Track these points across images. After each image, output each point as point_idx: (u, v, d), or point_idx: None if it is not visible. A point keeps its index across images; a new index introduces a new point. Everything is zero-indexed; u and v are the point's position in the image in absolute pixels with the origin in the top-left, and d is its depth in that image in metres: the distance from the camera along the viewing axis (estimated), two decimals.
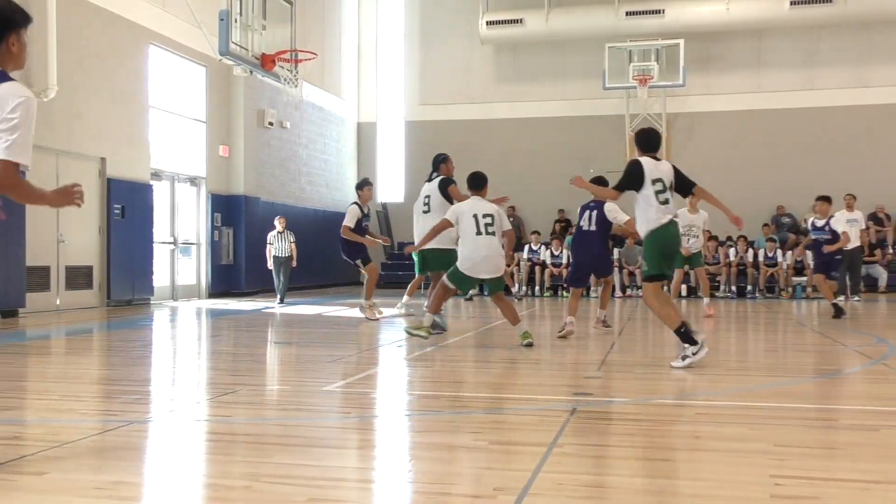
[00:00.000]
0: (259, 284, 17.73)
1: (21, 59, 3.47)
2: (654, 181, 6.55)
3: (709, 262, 18.28)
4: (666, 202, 6.58)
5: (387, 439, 4.44)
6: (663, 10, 21.10)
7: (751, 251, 18.36)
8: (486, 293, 14.70)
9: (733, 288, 18.17)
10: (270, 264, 15.03)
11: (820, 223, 11.83)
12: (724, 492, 3.24)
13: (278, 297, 15.03)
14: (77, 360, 7.91)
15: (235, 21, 13.14)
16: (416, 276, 10.57)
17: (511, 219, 22.23)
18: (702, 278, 12.75)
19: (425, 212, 9.47)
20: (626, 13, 21.28)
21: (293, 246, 14.95)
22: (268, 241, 15.08)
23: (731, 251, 18.47)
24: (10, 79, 3.35)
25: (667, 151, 22.14)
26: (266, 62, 13.95)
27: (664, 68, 21.21)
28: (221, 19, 12.81)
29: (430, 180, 9.63)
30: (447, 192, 9.35)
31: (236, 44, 13.15)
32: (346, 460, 3.90)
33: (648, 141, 6.83)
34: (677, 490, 3.27)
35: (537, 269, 18.93)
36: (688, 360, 6.39)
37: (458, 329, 9.92)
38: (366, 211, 11.68)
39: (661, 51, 21.38)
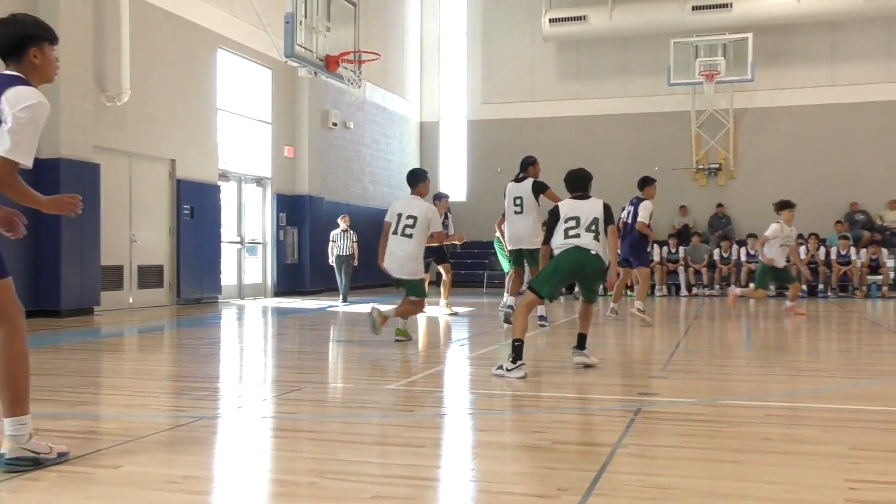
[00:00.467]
0: (323, 283, 17.94)
1: (47, 72, 3.58)
2: (568, 219, 6.76)
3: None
4: (576, 236, 6.68)
5: (450, 438, 4.44)
6: (731, 4, 20.64)
7: (822, 249, 17.86)
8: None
9: (804, 287, 17.69)
10: (332, 261, 15.28)
11: None
12: (796, 495, 3.15)
13: (341, 295, 15.22)
14: (149, 357, 8.13)
15: (300, 23, 13.32)
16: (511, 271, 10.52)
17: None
18: (793, 286, 12.41)
19: (517, 212, 9.80)
20: (693, 8, 20.88)
21: (355, 245, 15.18)
22: (331, 239, 15.30)
23: (802, 249, 17.99)
24: (28, 84, 3.46)
25: (734, 148, 21.70)
26: (330, 63, 14.11)
27: (731, 63, 20.75)
28: (287, 22, 13.01)
29: (517, 181, 9.89)
30: (539, 194, 9.65)
31: (301, 46, 13.34)
32: (410, 458, 3.92)
33: (572, 183, 7.05)
34: (746, 493, 3.19)
35: None
36: (501, 372, 6.14)
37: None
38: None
39: (729, 45, 20.91)
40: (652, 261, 17.42)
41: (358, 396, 5.61)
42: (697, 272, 18.43)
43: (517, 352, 6.15)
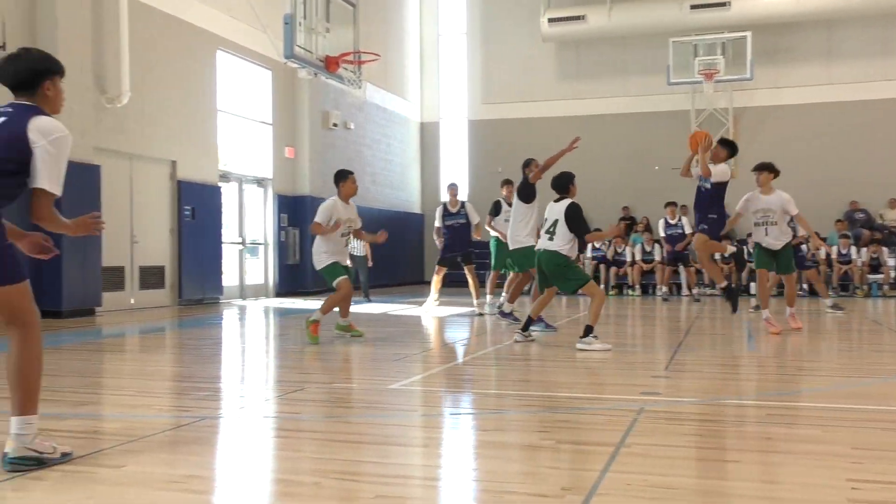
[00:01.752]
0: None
1: (57, 103, 3.74)
2: (544, 221, 8.16)
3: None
4: (539, 237, 8.30)
5: (452, 437, 4.45)
6: (729, 3, 20.63)
7: (822, 248, 17.85)
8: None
9: (804, 286, 17.70)
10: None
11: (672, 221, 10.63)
12: (798, 495, 3.16)
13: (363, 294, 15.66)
14: (151, 358, 8.14)
15: (300, 24, 13.31)
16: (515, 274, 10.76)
17: None
18: (787, 282, 9.58)
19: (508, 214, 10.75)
20: (691, 7, 20.87)
21: (367, 245, 15.53)
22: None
23: (803, 248, 17.98)
24: (48, 115, 3.62)
25: None
26: (330, 64, 14.11)
27: (731, 62, 20.76)
28: (286, 23, 13.00)
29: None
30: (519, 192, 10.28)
31: (301, 47, 13.33)
32: (412, 458, 3.92)
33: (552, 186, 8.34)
34: (749, 493, 3.20)
35: (602, 267, 18.73)
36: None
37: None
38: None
39: (728, 44, 20.93)
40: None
41: (361, 396, 5.62)
42: (698, 272, 18.42)
43: (524, 325, 8.27)
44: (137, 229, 13.64)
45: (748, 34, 20.41)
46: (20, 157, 3.45)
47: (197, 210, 14.83)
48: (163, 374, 6.87)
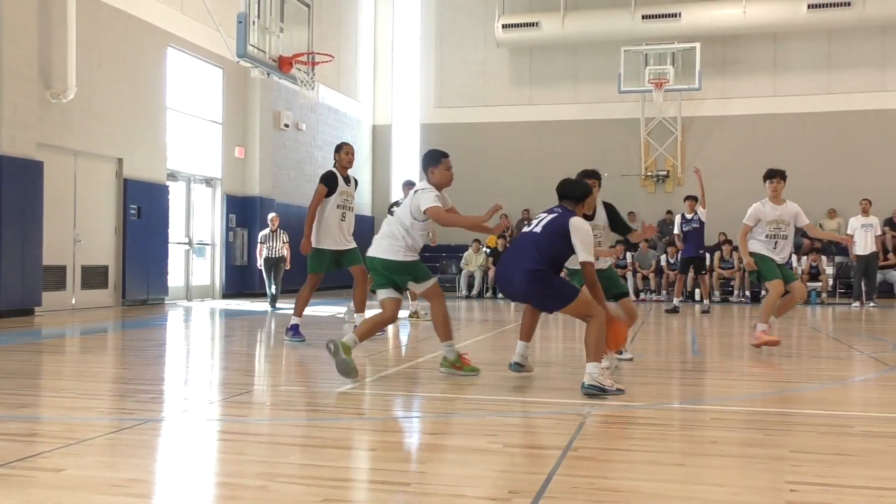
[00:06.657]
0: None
1: None
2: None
3: (722, 266, 18.20)
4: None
5: (400, 441, 4.44)
6: (680, 14, 21.06)
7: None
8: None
9: (747, 293, 18.08)
10: (260, 264, 14.53)
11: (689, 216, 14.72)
12: (740, 497, 3.22)
13: (269, 299, 14.39)
14: (92, 359, 7.96)
15: (253, 23, 13.20)
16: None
17: (526, 222, 22.22)
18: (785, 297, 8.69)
19: None
20: (643, 17, 21.25)
21: (286, 246, 14.39)
22: (259, 241, 14.60)
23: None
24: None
25: (681, 155, 22.08)
26: (283, 64, 14.01)
27: (680, 72, 21.17)
28: (239, 22, 12.88)
29: None
30: None
31: (254, 46, 13.22)
32: (360, 461, 3.90)
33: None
34: (693, 495, 3.25)
35: None
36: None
37: (470, 333, 9.92)
38: None
39: (678, 54, 21.33)
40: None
41: (307, 399, 5.57)
42: (645, 278, 18.69)
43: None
44: (81, 228, 13.35)
45: (697, 45, 20.83)
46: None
47: (143, 209, 14.57)
48: (105, 376, 6.73)
